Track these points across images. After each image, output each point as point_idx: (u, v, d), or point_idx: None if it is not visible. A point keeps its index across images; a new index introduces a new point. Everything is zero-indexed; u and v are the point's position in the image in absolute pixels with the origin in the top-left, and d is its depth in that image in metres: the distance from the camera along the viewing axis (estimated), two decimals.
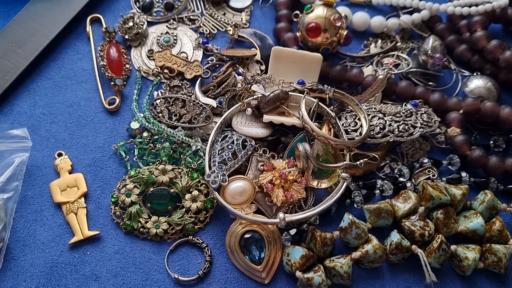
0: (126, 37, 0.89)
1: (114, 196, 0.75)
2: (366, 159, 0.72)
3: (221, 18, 0.95)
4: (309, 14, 0.85)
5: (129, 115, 0.84)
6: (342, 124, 0.77)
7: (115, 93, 0.85)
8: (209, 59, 0.90)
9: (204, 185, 0.75)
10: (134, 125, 0.80)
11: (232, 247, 0.72)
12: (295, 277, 0.69)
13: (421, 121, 0.78)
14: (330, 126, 0.78)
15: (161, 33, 0.91)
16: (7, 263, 0.71)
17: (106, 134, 0.82)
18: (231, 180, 0.73)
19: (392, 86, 0.83)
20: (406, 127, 0.76)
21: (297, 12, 0.91)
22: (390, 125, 0.76)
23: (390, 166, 0.81)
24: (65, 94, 0.85)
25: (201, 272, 0.71)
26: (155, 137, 0.79)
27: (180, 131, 0.79)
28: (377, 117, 0.77)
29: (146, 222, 0.73)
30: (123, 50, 0.88)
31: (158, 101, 0.82)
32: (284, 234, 0.72)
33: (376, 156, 0.75)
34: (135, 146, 0.79)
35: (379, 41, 0.93)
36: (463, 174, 0.78)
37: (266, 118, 0.77)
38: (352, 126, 0.77)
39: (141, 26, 0.90)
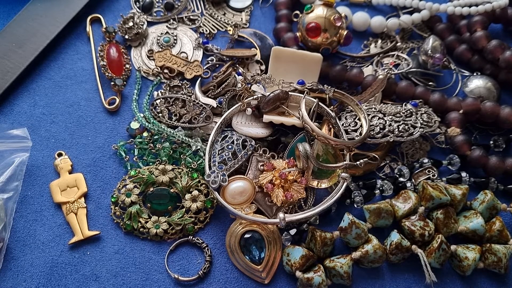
0: (126, 37, 0.89)
1: (114, 196, 0.75)
2: (366, 159, 0.72)
3: (221, 18, 0.95)
4: (309, 14, 0.85)
5: (129, 115, 0.84)
6: (342, 124, 0.77)
7: (115, 93, 0.85)
8: (209, 59, 0.90)
9: (204, 185, 0.75)
10: (134, 125, 0.80)
11: (232, 247, 0.72)
12: (295, 277, 0.69)
13: (421, 121, 0.77)
14: (330, 126, 0.78)
15: (161, 33, 0.91)
16: (7, 263, 0.71)
17: (106, 134, 0.82)
18: (231, 180, 0.73)
19: (392, 86, 0.83)
20: (406, 127, 0.76)
21: (297, 12, 0.91)
22: (390, 125, 0.76)
23: (390, 166, 0.81)
24: (65, 94, 0.85)
25: (201, 272, 0.71)
26: (155, 137, 0.79)
27: (180, 131, 0.79)
28: (377, 117, 0.77)
29: (146, 222, 0.73)
30: (123, 50, 0.88)
31: (158, 101, 0.81)
32: (284, 234, 0.72)
33: (376, 156, 0.75)
34: (135, 146, 0.79)
35: (379, 41, 0.93)
36: (463, 174, 0.78)
37: (266, 118, 0.77)
38: (352, 126, 0.77)
39: (141, 26, 0.90)
